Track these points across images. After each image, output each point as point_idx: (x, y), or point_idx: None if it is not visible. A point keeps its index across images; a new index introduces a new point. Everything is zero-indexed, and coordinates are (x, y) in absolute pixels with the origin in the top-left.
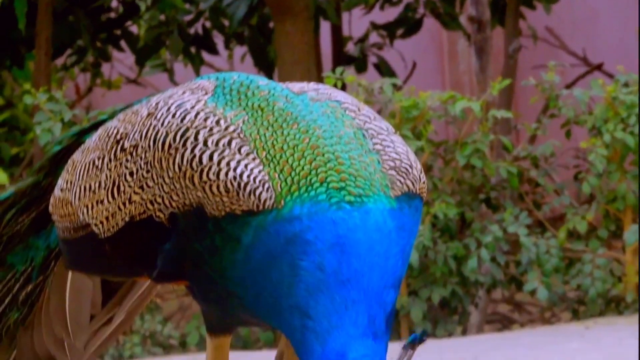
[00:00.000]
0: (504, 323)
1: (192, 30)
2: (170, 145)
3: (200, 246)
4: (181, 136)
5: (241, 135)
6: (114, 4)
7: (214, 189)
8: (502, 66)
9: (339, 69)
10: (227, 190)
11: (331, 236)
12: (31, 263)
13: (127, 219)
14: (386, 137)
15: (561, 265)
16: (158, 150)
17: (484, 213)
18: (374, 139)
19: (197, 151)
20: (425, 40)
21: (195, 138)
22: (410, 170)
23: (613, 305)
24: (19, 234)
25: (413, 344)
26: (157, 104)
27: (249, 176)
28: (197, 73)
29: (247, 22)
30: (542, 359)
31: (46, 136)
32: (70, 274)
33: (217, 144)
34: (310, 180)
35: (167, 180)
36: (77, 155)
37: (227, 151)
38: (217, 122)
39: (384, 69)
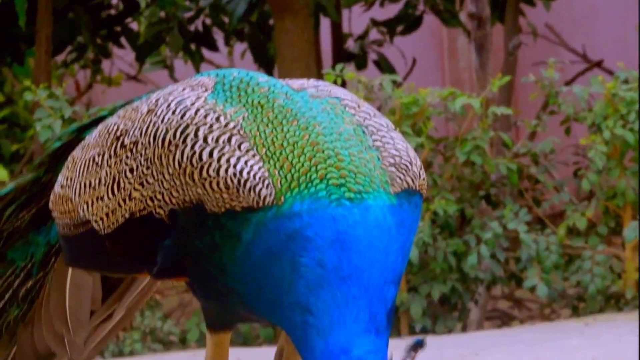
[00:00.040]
0: (503, 319)
1: (192, 27)
2: (170, 142)
3: (200, 243)
4: (181, 133)
5: (241, 132)
6: (114, 1)
7: (214, 185)
8: (502, 63)
9: (338, 66)
10: (227, 187)
11: (331, 232)
12: (31, 259)
13: (127, 215)
14: (386, 133)
15: (561, 262)
16: (158, 147)
17: (484, 210)
18: (373, 135)
19: (197, 148)
20: (425, 37)
21: (195, 135)
22: (410, 166)
23: (613, 301)
24: (19, 230)
25: (416, 347)
26: (157, 100)
27: (249, 173)
28: (197, 70)
29: (247, 19)
30: (541, 355)
31: (46, 133)
32: (70, 270)
33: (217, 140)
34: (310, 176)
35: (167, 176)
36: (77, 152)
37: (227, 148)
38: (217, 119)
39: (383, 66)
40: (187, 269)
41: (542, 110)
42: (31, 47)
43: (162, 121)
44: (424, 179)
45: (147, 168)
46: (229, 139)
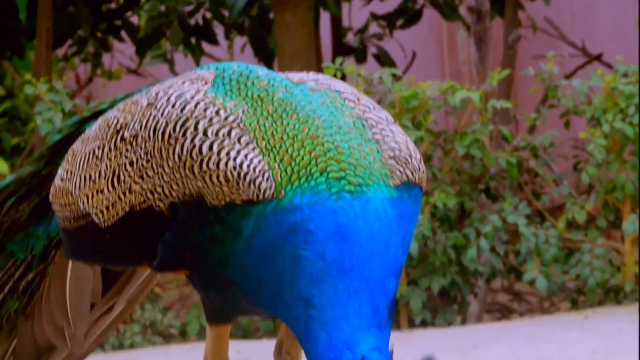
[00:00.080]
0: (503, 312)
1: (192, 21)
2: (170, 135)
3: (201, 236)
4: (181, 126)
5: (241, 125)
6: None
7: (214, 178)
8: (501, 56)
9: (338, 60)
10: (227, 180)
11: (332, 225)
12: (31, 252)
13: (127, 208)
14: (385, 126)
15: (560, 255)
16: (158, 140)
17: (484, 203)
18: (373, 128)
19: (196, 141)
20: (424, 30)
21: (195, 128)
22: (409, 159)
23: (612, 294)
24: (19, 223)
25: None
26: (157, 94)
27: (248, 166)
28: (197, 63)
29: (247, 13)
30: (541, 348)
31: (47, 126)
32: (70, 263)
33: (216, 133)
34: (310, 170)
35: (167, 170)
36: (77, 145)
37: (226, 141)
38: (217, 112)
39: (383, 60)
40: (187, 262)
41: (542, 104)
42: (32, 40)
43: (162, 114)
44: (423, 172)
45: (147, 161)
46: (229, 132)
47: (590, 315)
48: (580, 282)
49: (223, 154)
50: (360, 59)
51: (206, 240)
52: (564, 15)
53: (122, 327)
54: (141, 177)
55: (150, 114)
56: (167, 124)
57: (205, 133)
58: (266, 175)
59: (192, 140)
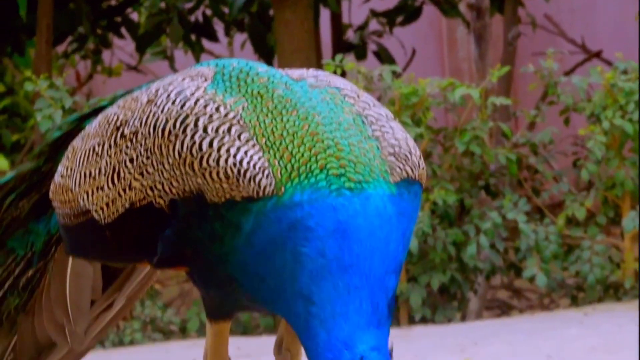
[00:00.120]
0: (503, 309)
1: (192, 18)
2: (170, 132)
3: (201, 232)
4: (181, 123)
5: (241, 122)
6: None
7: (214, 175)
8: (501, 53)
9: (338, 57)
10: (227, 177)
11: (332, 222)
12: (31, 248)
13: (127, 205)
14: (385, 123)
15: (560, 252)
16: (158, 137)
17: (483, 200)
18: (373, 125)
19: (196, 138)
20: (424, 27)
21: (195, 125)
22: (409, 156)
23: (612, 291)
24: (19, 219)
25: None
26: (157, 90)
27: (248, 163)
28: (197, 60)
29: (247, 10)
30: (540, 345)
31: (47, 123)
32: (70, 259)
33: (216, 130)
34: (310, 167)
35: (167, 166)
36: (77, 142)
37: (226, 138)
38: (217, 109)
39: (383, 56)
40: (187, 259)
41: (541, 101)
42: (32, 37)
43: (162, 111)
44: (423, 169)
45: (147, 158)
46: (229, 129)
47: (590, 311)
48: (579, 278)
49: (223, 150)
50: (360, 55)
51: (206, 237)
52: (563, 12)
53: (122, 324)
54: (141, 173)
55: (150, 110)
56: (167, 121)
57: (205, 130)
58: (266, 172)
59: (192, 137)
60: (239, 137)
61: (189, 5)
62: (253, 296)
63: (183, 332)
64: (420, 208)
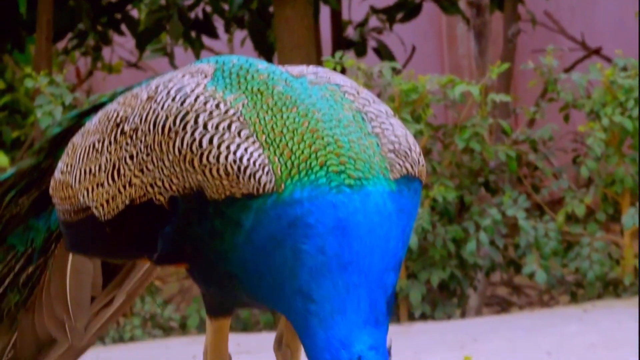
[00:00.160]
0: (502, 306)
1: (192, 15)
2: (170, 129)
3: (201, 229)
4: (181, 120)
5: (241, 119)
6: None
7: (214, 172)
8: (501, 50)
9: (338, 53)
10: (227, 174)
11: (332, 219)
12: (32, 245)
13: (127, 202)
14: (385, 120)
15: (559, 249)
16: (158, 134)
17: (483, 196)
18: (373, 122)
19: (197, 135)
20: (424, 24)
21: (195, 121)
22: (409, 153)
23: (611, 288)
24: (19, 216)
25: None
26: (157, 87)
27: (249, 159)
28: (197, 57)
29: (247, 7)
30: (540, 341)
31: (47, 119)
32: (70, 256)
33: (216, 127)
34: (310, 164)
35: (167, 163)
36: (77, 138)
37: (226, 134)
38: (217, 106)
39: (383, 53)
40: (187, 256)
41: (541, 98)
42: (32, 34)
43: (162, 108)
44: (423, 165)
45: (147, 155)
46: (229, 126)
47: (590, 308)
48: (579, 275)
49: (223, 147)
50: (360, 52)
51: (206, 234)
52: (563, 9)
53: (122, 320)
54: (141, 170)
55: (151, 107)
56: (167, 118)
57: (205, 126)
58: (266, 169)
59: (192, 133)
60: (239, 134)
61: (189, 2)
62: (253, 293)
63: (183, 328)
64: (420, 205)
